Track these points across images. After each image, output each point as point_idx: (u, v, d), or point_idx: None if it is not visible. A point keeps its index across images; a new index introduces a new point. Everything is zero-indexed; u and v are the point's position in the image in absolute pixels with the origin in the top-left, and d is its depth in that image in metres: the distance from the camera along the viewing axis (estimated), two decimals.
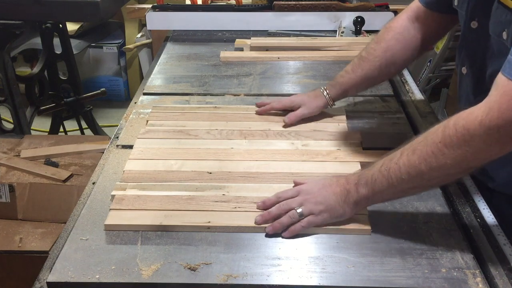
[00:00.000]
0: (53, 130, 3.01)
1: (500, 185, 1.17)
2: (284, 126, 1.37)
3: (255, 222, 1.01)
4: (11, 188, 1.74)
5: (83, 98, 2.99)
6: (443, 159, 0.87)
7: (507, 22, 0.97)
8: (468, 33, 1.15)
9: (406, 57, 1.34)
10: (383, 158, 0.97)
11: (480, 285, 0.88)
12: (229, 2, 2.36)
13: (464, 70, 1.19)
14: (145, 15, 2.15)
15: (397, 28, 1.33)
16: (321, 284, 0.89)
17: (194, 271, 0.91)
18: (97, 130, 3.12)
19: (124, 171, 1.18)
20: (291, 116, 1.37)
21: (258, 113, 1.43)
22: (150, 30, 3.40)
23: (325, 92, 1.38)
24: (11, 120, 2.52)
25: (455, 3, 1.20)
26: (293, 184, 1.10)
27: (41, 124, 3.45)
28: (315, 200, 1.00)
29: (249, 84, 1.67)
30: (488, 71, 1.10)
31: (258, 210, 1.04)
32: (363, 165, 1.19)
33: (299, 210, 0.99)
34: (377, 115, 1.46)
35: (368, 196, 0.97)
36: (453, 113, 1.21)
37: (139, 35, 3.82)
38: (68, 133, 3.15)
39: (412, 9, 1.33)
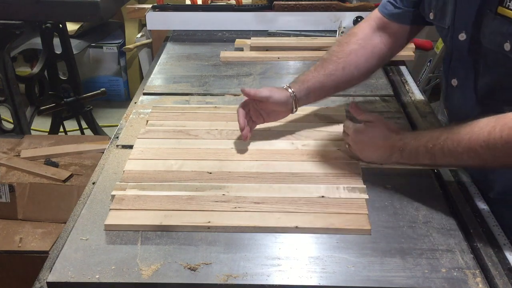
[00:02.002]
0: (53, 130, 3.02)
1: (499, 193, 1.17)
2: (242, 92, 1.26)
3: None
4: (11, 188, 1.74)
5: (83, 98, 2.99)
6: (485, 156, 0.94)
7: (509, 34, 0.97)
8: (455, 46, 1.15)
9: (369, 63, 1.33)
10: (428, 133, 1.04)
11: (480, 285, 0.88)
12: (229, 2, 2.35)
13: (454, 82, 1.19)
14: (145, 15, 2.15)
15: (359, 34, 1.34)
16: (321, 284, 0.89)
17: (194, 271, 0.91)
18: (97, 130, 3.12)
19: (124, 171, 1.18)
20: (251, 89, 1.26)
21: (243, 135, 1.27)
22: (150, 30, 3.40)
23: (286, 87, 1.29)
24: (11, 120, 2.52)
25: (431, 17, 1.20)
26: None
27: (41, 124, 3.45)
28: (357, 150, 1.17)
29: (249, 84, 1.67)
30: (481, 82, 1.10)
31: (258, 210, 1.04)
32: (363, 165, 1.19)
33: (346, 147, 1.20)
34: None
35: (408, 161, 1.08)
36: None
37: (139, 35, 3.82)
38: (68, 133, 3.15)
39: (373, 19, 1.34)
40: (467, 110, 1.17)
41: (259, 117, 1.31)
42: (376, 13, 1.35)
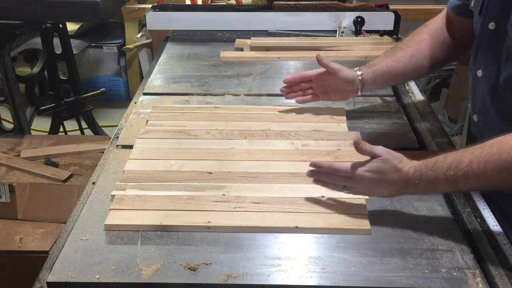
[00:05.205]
0: (53, 130, 3.02)
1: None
2: (316, 58, 1.36)
3: (307, 174, 1.07)
4: (11, 188, 1.74)
5: (83, 98, 2.99)
6: None
7: None
8: (484, 35, 1.15)
9: (440, 54, 1.33)
10: (447, 160, 0.94)
11: (480, 285, 0.88)
12: (229, 2, 2.35)
13: (479, 73, 1.18)
14: (145, 15, 2.15)
15: (432, 25, 1.36)
16: (321, 284, 0.89)
17: (194, 271, 0.91)
18: (97, 130, 3.12)
19: (124, 171, 1.18)
20: (324, 58, 1.36)
21: (286, 82, 1.43)
22: (150, 30, 3.40)
23: (356, 69, 1.35)
24: (11, 120, 2.52)
25: (472, 4, 1.20)
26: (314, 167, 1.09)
27: (41, 124, 3.45)
28: (365, 189, 1.03)
29: (249, 84, 1.67)
30: (503, 75, 1.09)
31: (258, 210, 1.04)
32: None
33: (346, 191, 1.04)
34: (377, 115, 1.46)
35: (422, 193, 1.00)
36: (453, 113, 1.21)
37: (139, 35, 3.82)
38: (68, 133, 3.15)
39: (443, 14, 1.36)
40: (490, 102, 1.16)
41: (323, 93, 1.38)
42: (445, 9, 1.37)
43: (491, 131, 1.12)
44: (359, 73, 1.32)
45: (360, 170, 1.01)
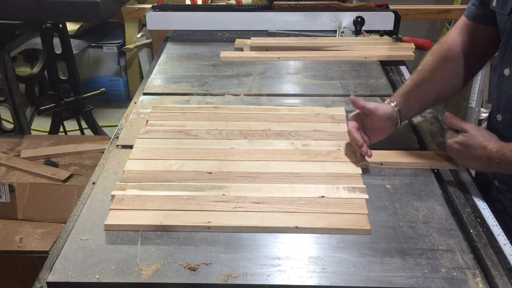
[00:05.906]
0: (53, 130, 3.02)
1: (502, 181, 1.18)
2: (352, 101, 1.24)
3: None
4: (11, 188, 1.74)
5: (83, 98, 2.99)
6: None
7: None
8: None
9: (466, 68, 1.29)
10: None
11: (480, 285, 0.88)
12: (229, 2, 2.36)
13: (507, 71, 1.16)
14: (145, 15, 2.16)
15: (448, 41, 1.31)
16: (321, 284, 0.89)
17: (194, 271, 0.91)
18: (97, 130, 3.12)
19: (124, 171, 1.18)
20: (359, 100, 1.24)
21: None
22: (150, 30, 3.40)
23: (389, 101, 1.28)
24: (11, 120, 2.52)
25: (493, 4, 1.18)
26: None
27: (41, 124, 3.46)
28: (455, 158, 1.17)
29: (249, 84, 1.67)
30: None
31: (258, 210, 1.04)
32: (363, 165, 1.19)
33: None
34: None
35: (506, 171, 1.09)
36: (453, 113, 1.21)
37: (139, 35, 3.82)
38: (68, 133, 3.15)
39: (461, 25, 1.32)
40: None
41: (366, 135, 1.25)
42: (462, 18, 1.33)
43: None
44: (393, 104, 1.26)
45: (451, 141, 1.14)
